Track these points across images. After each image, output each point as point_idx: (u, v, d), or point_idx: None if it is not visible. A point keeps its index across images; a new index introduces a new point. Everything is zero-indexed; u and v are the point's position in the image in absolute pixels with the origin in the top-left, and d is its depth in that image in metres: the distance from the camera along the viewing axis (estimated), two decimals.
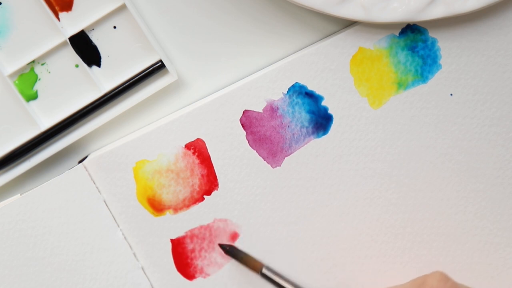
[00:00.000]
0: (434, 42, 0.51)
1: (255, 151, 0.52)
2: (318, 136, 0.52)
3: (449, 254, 0.53)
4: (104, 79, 0.53)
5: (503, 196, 0.52)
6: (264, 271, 0.50)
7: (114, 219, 0.52)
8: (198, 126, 0.52)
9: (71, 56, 0.52)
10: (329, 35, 0.53)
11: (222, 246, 0.52)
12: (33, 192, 0.51)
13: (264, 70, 0.52)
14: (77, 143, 0.53)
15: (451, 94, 0.52)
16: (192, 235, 0.52)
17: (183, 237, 0.52)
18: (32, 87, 0.53)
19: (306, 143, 0.52)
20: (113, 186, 0.52)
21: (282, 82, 0.51)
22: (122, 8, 0.52)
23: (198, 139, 0.52)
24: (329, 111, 0.52)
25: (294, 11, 0.53)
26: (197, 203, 0.52)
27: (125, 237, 0.52)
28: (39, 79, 0.53)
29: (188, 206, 0.52)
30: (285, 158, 0.52)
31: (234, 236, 0.52)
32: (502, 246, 0.53)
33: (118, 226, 0.52)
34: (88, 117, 0.53)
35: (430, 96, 0.52)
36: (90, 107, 0.52)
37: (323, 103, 0.52)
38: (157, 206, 0.52)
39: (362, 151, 0.52)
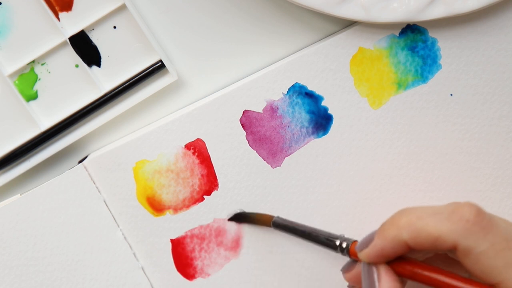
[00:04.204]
0: (434, 42, 0.51)
1: (255, 151, 0.52)
2: (318, 136, 0.52)
3: None
4: (104, 79, 0.53)
5: (503, 196, 0.52)
6: (276, 219, 0.50)
7: (114, 219, 0.52)
8: (198, 126, 0.52)
9: (71, 56, 0.52)
10: (329, 35, 0.53)
11: (231, 219, 0.52)
12: (33, 192, 0.51)
13: (264, 70, 0.52)
14: (77, 143, 0.53)
15: (451, 94, 0.52)
16: (192, 235, 0.52)
17: (183, 237, 0.52)
18: (32, 87, 0.53)
19: (306, 143, 0.52)
20: (113, 186, 0.52)
21: (282, 82, 0.51)
22: (122, 8, 0.52)
23: (198, 139, 0.52)
24: (329, 111, 0.52)
25: (294, 11, 0.53)
26: (197, 203, 0.52)
27: (125, 237, 0.52)
28: (39, 79, 0.53)
29: (188, 206, 0.52)
30: (285, 158, 0.52)
31: (234, 236, 0.52)
32: None
33: (118, 226, 0.52)
34: (88, 117, 0.53)
35: (430, 96, 0.52)
36: (90, 107, 0.52)
37: (323, 103, 0.52)
38: (157, 206, 0.52)
39: (362, 151, 0.52)
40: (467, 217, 0.39)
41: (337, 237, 0.45)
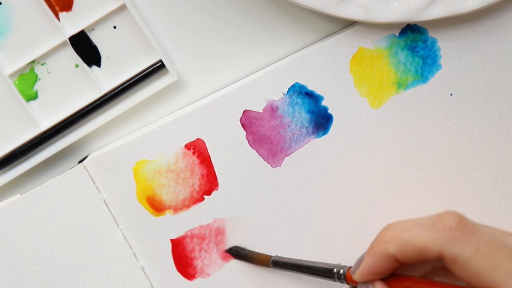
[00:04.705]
0: (434, 42, 0.51)
1: (255, 151, 0.52)
2: (318, 136, 0.52)
3: None
4: (104, 79, 0.53)
5: (503, 196, 0.52)
6: (274, 258, 0.50)
7: (114, 219, 0.52)
8: (198, 126, 0.52)
9: (71, 56, 0.52)
10: (329, 35, 0.53)
11: (228, 251, 0.52)
12: (33, 192, 0.51)
13: (264, 70, 0.52)
14: (77, 143, 0.53)
15: (451, 94, 0.52)
16: (192, 235, 0.52)
17: (183, 237, 0.52)
18: (32, 87, 0.53)
19: (306, 143, 0.52)
20: (113, 186, 0.52)
21: (282, 82, 0.51)
22: (122, 8, 0.52)
23: (198, 139, 0.52)
24: (329, 111, 0.52)
25: (294, 11, 0.53)
26: (197, 203, 0.52)
27: (125, 237, 0.52)
28: (39, 79, 0.53)
29: (188, 206, 0.52)
30: (285, 158, 0.52)
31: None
32: None
33: (118, 226, 0.52)
34: (88, 117, 0.53)
35: (430, 96, 0.52)
36: (90, 107, 0.52)
37: (323, 103, 0.52)
38: (157, 206, 0.52)
39: (362, 151, 0.52)
40: (450, 224, 0.40)
41: (334, 266, 0.46)
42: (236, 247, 0.52)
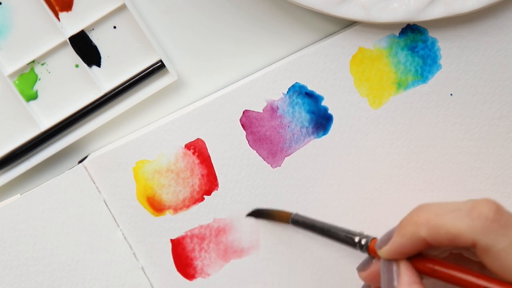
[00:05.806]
0: (434, 42, 0.51)
1: (255, 151, 0.52)
2: (318, 136, 0.52)
3: None
4: (104, 79, 0.53)
5: (503, 196, 0.52)
6: (294, 216, 0.50)
7: (114, 219, 0.52)
8: (198, 126, 0.52)
9: (71, 56, 0.52)
10: (329, 35, 0.53)
11: (249, 215, 0.51)
12: (33, 192, 0.51)
13: (264, 70, 0.52)
14: (77, 143, 0.53)
15: (451, 94, 0.52)
16: (192, 235, 0.52)
17: (183, 237, 0.52)
18: (32, 87, 0.53)
19: (306, 143, 0.52)
20: (113, 186, 0.52)
21: (282, 82, 0.51)
22: (122, 8, 0.52)
23: (198, 139, 0.52)
24: (329, 111, 0.52)
25: (294, 11, 0.53)
26: (197, 203, 0.52)
27: (125, 237, 0.52)
28: (39, 79, 0.53)
29: (188, 206, 0.52)
30: (285, 158, 0.52)
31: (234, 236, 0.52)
32: None
33: (118, 226, 0.52)
34: (88, 117, 0.53)
35: (430, 96, 0.52)
36: (90, 107, 0.52)
37: (323, 103, 0.52)
38: (157, 206, 0.52)
39: (362, 151, 0.52)
40: (486, 214, 0.39)
41: (356, 234, 0.45)
42: (254, 209, 0.51)
